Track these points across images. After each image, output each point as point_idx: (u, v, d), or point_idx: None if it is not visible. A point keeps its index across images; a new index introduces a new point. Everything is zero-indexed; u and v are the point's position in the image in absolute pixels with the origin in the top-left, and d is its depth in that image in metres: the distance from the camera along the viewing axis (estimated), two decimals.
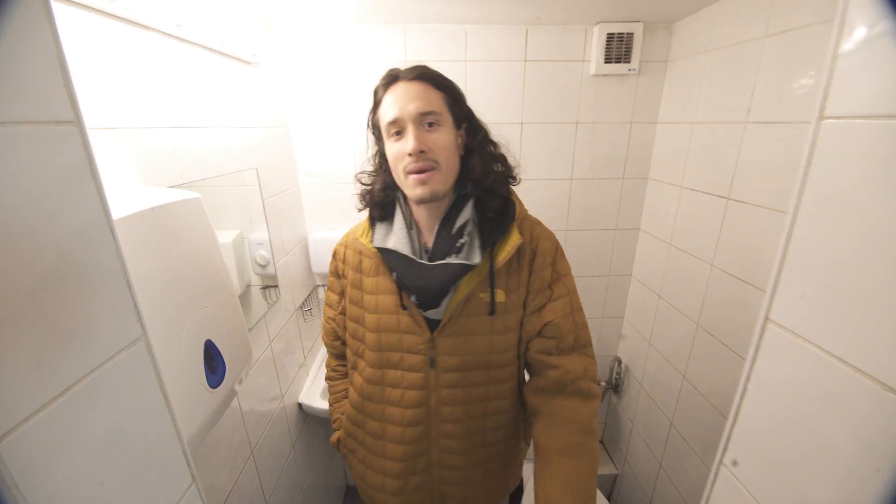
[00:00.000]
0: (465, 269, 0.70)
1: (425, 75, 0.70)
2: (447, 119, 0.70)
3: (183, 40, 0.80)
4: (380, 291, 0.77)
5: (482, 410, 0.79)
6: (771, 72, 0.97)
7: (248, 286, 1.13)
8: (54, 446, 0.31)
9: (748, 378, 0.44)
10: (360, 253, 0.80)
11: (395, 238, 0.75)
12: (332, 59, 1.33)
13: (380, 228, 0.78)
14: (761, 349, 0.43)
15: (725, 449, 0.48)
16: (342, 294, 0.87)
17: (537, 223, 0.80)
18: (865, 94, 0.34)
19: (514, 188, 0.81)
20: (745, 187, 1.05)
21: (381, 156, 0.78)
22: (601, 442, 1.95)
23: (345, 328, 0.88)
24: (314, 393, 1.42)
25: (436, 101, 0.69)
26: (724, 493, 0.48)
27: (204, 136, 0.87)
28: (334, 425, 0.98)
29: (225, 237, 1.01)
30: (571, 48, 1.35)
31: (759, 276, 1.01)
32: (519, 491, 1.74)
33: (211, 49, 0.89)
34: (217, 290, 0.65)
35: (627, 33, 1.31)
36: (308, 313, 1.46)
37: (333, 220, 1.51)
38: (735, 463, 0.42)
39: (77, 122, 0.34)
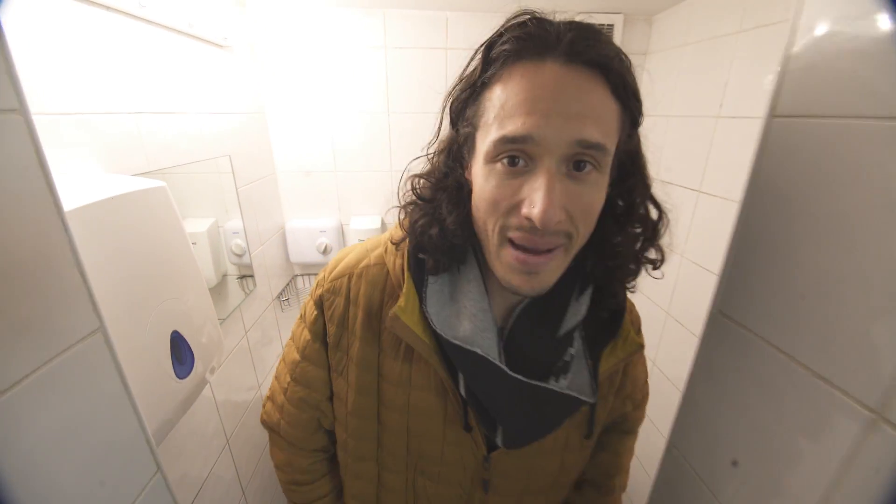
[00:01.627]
0: (578, 405, 0.47)
1: (603, 61, 0.37)
2: (609, 157, 0.39)
3: (147, 21, 0.77)
4: (415, 386, 0.50)
5: None
6: (742, 67, 0.99)
7: (225, 276, 1.12)
8: (11, 434, 0.31)
9: (695, 364, 0.47)
10: (399, 328, 0.46)
11: (471, 324, 0.45)
12: (310, 44, 1.30)
13: (435, 291, 0.47)
14: (708, 336, 0.45)
15: (673, 430, 0.50)
16: (334, 370, 0.55)
17: (633, 309, 0.57)
18: (814, 95, 0.35)
19: None
20: (714, 181, 1.08)
21: (456, 161, 0.46)
22: None
23: (333, 418, 0.59)
24: None
25: (610, 124, 0.39)
26: (672, 471, 0.51)
27: (173, 122, 0.85)
28: None
29: (199, 226, 0.99)
30: None
31: None
32: None
33: (178, 31, 0.87)
34: (184, 280, 0.64)
35: (608, 24, 1.32)
36: (286, 303, 1.45)
37: (312, 210, 1.49)
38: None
39: (21, 109, 0.33)
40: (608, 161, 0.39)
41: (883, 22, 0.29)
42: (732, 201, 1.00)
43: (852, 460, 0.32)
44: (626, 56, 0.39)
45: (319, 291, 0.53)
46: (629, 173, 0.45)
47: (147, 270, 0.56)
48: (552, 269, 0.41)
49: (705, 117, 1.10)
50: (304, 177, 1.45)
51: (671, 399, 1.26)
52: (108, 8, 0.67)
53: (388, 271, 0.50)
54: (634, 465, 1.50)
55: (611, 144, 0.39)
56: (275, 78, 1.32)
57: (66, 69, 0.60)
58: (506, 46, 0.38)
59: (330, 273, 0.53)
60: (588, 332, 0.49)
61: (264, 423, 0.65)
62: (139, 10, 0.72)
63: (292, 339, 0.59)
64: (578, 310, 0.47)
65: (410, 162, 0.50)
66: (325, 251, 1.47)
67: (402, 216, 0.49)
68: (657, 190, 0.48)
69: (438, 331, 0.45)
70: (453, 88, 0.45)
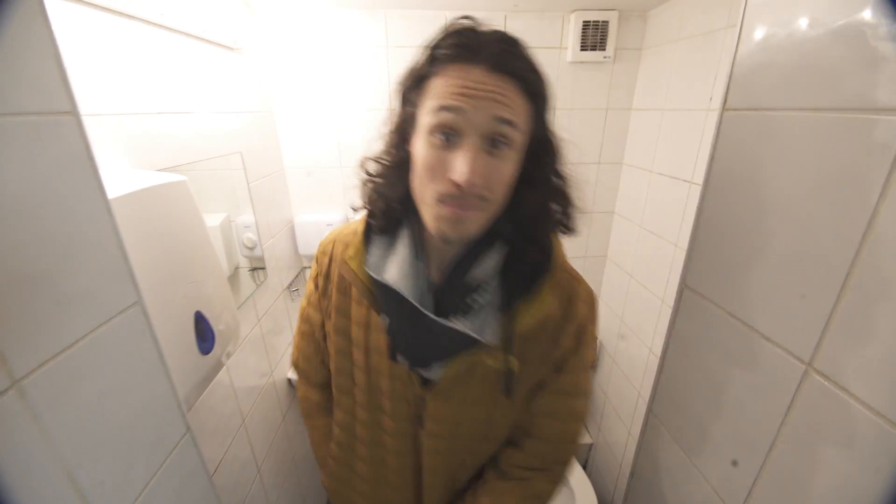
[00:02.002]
0: (471, 342, 0.54)
1: (519, 72, 0.48)
2: (519, 142, 0.50)
3: (167, 28, 0.83)
4: (372, 327, 0.61)
5: (460, 461, 0.68)
6: (729, 62, 1.02)
7: (237, 268, 1.18)
8: (68, 387, 0.37)
9: (669, 336, 0.51)
10: (347, 278, 0.61)
11: (397, 270, 0.55)
12: (314, 45, 1.36)
13: (377, 246, 0.59)
14: (679, 310, 0.50)
15: (653, 398, 0.55)
16: (324, 313, 0.68)
17: (576, 278, 0.62)
18: (757, 90, 0.40)
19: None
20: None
21: (400, 138, 0.56)
22: None
23: (326, 354, 0.72)
24: None
25: (520, 113, 0.48)
26: (652, 437, 0.56)
27: (189, 122, 0.91)
28: (325, 470, 0.82)
29: (212, 220, 1.06)
30: (549, 35, 1.39)
31: None
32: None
33: (194, 36, 0.92)
34: (204, 266, 0.70)
35: (603, 21, 1.35)
36: (295, 293, 1.52)
37: (319, 204, 1.55)
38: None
39: (74, 112, 0.38)
40: (518, 140, 0.49)
41: (812, 25, 0.34)
42: None
43: (792, 405, 0.37)
44: (537, 66, 0.51)
45: (317, 253, 0.69)
46: (542, 154, 0.55)
47: (172, 255, 0.62)
48: (473, 221, 0.50)
49: (696, 111, 1.14)
50: (306, 176, 1.51)
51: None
52: (132, 17, 0.73)
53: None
54: (611, 416, 1.53)
55: (521, 125, 0.49)
56: (282, 78, 1.38)
57: (98, 74, 0.66)
58: (446, 51, 0.48)
59: (324, 240, 0.70)
60: (507, 283, 0.56)
61: (293, 364, 0.81)
62: (160, 17, 0.77)
63: (306, 292, 0.74)
64: (488, 262, 0.55)
65: (364, 158, 0.61)
66: None
67: (362, 192, 0.62)
68: (572, 171, 0.59)
69: (369, 271, 0.56)
70: (403, 78, 0.54)
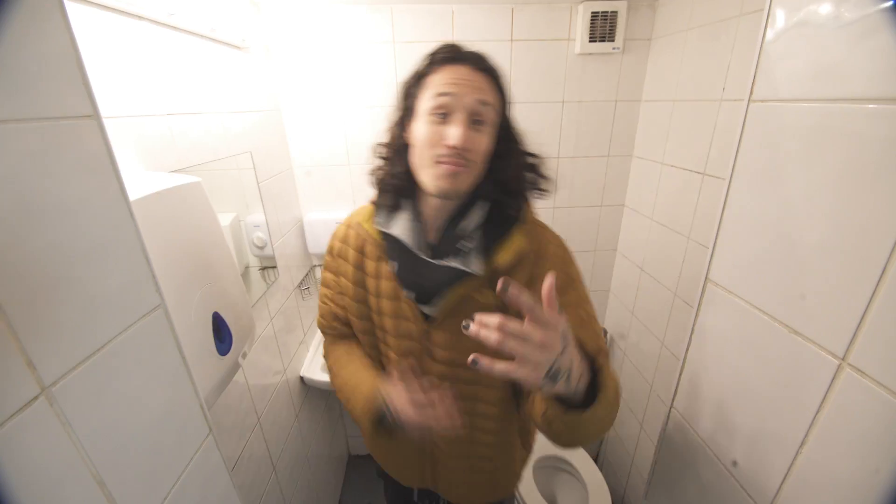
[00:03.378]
0: (462, 274, 0.68)
1: (493, 71, 0.67)
2: (494, 122, 0.67)
3: (175, 28, 0.82)
4: (381, 276, 0.76)
5: (471, 409, 0.78)
6: (744, 50, 1.01)
7: (247, 267, 1.19)
8: (96, 392, 0.37)
9: (693, 331, 0.51)
10: (361, 236, 0.78)
11: (400, 227, 0.72)
12: (320, 42, 1.35)
13: (384, 213, 0.75)
14: (703, 304, 0.49)
15: (675, 393, 0.55)
16: (338, 274, 0.83)
17: (545, 227, 0.76)
18: (785, 81, 0.39)
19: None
20: (718, 163, 1.10)
21: (401, 129, 0.72)
22: None
23: (343, 309, 0.84)
24: (315, 367, 1.50)
25: (493, 101, 0.66)
26: (674, 432, 0.56)
27: (199, 122, 0.91)
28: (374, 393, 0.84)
29: (223, 220, 1.05)
30: (557, 27, 1.37)
31: None
32: None
33: (202, 36, 0.92)
34: (221, 267, 0.70)
35: (612, 11, 1.33)
36: (306, 292, 1.52)
37: (328, 202, 1.55)
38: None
39: (95, 115, 0.38)
40: (493, 120, 0.67)
41: (845, 10, 0.33)
42: None
43: (825, 402, 0.37)
44: (500, 69, 0.69)
45: (336, 229, 0.85)
46: (509, 137, 0.72)
47: (189, 257, 0.62)
48: (464, 177, 0.65)
49: (709, 101, 1.12)
50: (314, 174, 1.51)
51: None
52: (141, 18, 0.73)
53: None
54: (623, 409, 1.52)
55: (496, 107, 0.67)
56: (289, 76, 1.38)
57: (109, 76, 0.66)
58: (441, 55, 0.67)
59: (344, 222, 0.85)
60: (489, 233, 0.70)
61: (319, 323, 0.91)
62: (168, 18, 0.77)
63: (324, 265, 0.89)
64: (474, 217, 0.70)
65: (375, 145, 0.78)
66: None
67: (372, 175, 0.78)
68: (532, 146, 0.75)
69: (377, 226, 0.74)
70: (407, 78, 0.71)
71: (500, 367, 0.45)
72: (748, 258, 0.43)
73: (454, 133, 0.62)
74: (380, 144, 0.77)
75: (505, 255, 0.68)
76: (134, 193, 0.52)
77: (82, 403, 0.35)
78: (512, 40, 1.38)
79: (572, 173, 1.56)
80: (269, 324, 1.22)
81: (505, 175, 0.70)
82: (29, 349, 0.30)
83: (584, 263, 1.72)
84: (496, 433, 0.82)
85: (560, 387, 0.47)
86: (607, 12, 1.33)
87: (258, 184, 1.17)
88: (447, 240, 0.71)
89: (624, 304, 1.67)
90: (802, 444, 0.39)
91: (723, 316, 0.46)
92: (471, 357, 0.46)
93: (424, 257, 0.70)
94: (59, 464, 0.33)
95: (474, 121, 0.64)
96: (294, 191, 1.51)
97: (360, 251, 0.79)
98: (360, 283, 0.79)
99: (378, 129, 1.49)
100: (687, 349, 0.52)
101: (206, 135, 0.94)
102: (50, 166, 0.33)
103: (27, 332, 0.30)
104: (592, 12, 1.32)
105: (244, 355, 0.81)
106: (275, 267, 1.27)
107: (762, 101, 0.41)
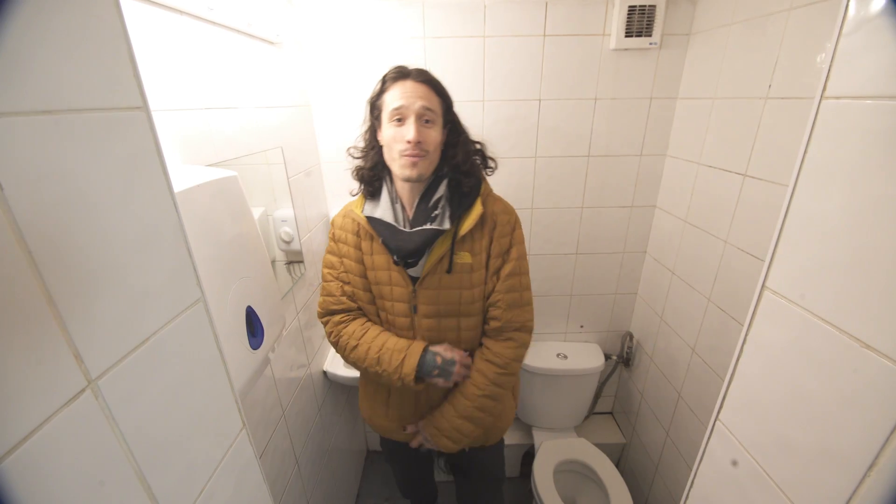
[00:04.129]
0: (437, 233, 0.89)
1: (431, 81, 0.88)
2: (439, 120, 0.88)
3: (213, 23, 0.83)
4: (374, 252, 0.96)
5: (455, 339, 1.01)
6: (793, 46, 0.96)
7: (273, 261, 1.20)
8: (139, 386, 0.37)
9: (745, 341, 0.48)
10: (356, 221, 0.98)
11: (382, 209, 0.93)
12: (352, 37, 1.35)
13: (370, 202, 0.96)
14: (758, 314, 0.46)
15: (721, 406, 0.52)
16: (341, 256, 1.02)
17: (499, 200, 0.98)
18: (865, 75, 0.36)
19: (491, 176, 1.02)
20: (761, 164, 1.05)
21: (372, 134, 0.95)
22: (611, 413, 2.01)
23: (349, 285, 1.02)
24: (338, 362, 1.51)
25: (435, 103, 0.87)
26: (718, 446, 0.53)
27: (234, 117, 0.92)
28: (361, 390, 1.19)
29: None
30: (591, 22, 1.34)
31: None
32: (530, 455, 1.83)
33: (239, 31, 0.93)
34: (255, 261, 0.71)
35: (650, 5, 1.29)
36: None
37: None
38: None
39: (145, 107, 0.38)
40: (438, 120, 0.88)
41: None
42: (781, 185, 0.98)
43: None
44: (437, 80, 0.90)
45: (335, 217, 1.06)
46: (456, 129, 0.94)
47: (226, 250, 0.62)
48: (422, 165, 0.87)
49: (753, 99, 1.07)
50: (305, 177, 1.51)
51: (710, 384, 1.26)
52: (181, 12, 0.74)
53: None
54: (647, 415, 1.49)
55: (437, 110, 0.88)
56: (320, 71, 1.38)
57: (152, 69, 0.67)
58: (391, 76, 0.88)
59: (339, 213, 1.06)
60: (453, 203, 0.92)
61: (327, 305, 1.05)
62: (208, 13, 0.78)
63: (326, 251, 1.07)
64: (439, 190, 0.91)
65: (348, 148, 1.02)
66: None
67: (352, 173, 1.00)
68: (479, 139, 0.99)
69: (366, 213, 0.94)
70: (370, 96, 0.93)
71: None
72: (814, 266, 0.40)
73: (409, 131, 0.83)
74: (354, 147, 1.00)
75: (469, 221, 0.90)
76: (176, 186, 0.52)
77: (126, 396, 0.35)
78: (545, 35, 1.35)
79: (603, 172, 1.52)
80: (294, 318, 1.23)
81: (457, 159, 0.91)
82: (77, 341, 0.30)
83: (611, 265, 1.68)
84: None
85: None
86: (645, 6, 1.28)
87: (288, 179, 1.18)
88: (420, 212, 0.91)
89: (652, 308, 1.63)
90: (871, 466, 0.36)
91: (781, 325, 0.43)
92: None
93: (402, 228, 0.91)
94: (102, 457, 0.33)
95: (425, 120, 0.85)
96: (322, 186, 1.52)
97: (356, 234, 0.99)
98: (359, 261, 0.99)
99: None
100: (737, 359, 0.49)
101: (240, 130, 0.95)
102: (100, 157, 0.33)
103: (75, 325, 0.30)
104: (630, 6, 1.28)
105: (274, 349, 0.82)
106: (301, 262, 1.28)
107: (836, 97, 0.37)
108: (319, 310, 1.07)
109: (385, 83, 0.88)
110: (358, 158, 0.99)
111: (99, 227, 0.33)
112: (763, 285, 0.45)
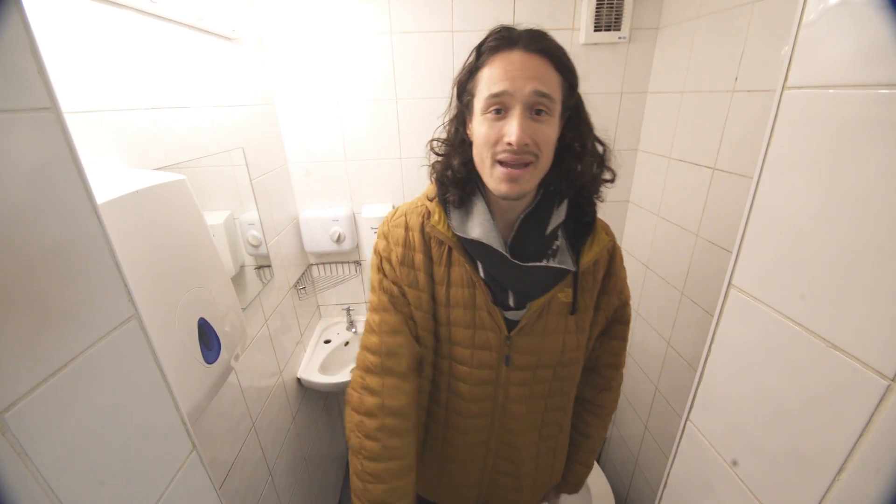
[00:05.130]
0: (564, 273, 0.67)
1: (549, 51, 0.58)
2: (557, 109, 0.59)
3: (158, 17, 0.78)
4: (453, 283, 0.69)
5: (543, 407, 0.79)
6: (758, 38, 0.96)
7: (242, 266, 1.15)
8: (57, 416, 0.33)
9: (712, 339, 0.47)
10: (432, 239, 0.69)
11: (481, 229, 0.65)
12: (316, 33, 1.30)
13: (455, 214, 0.68)
14: (724, 312, 0.45)
15: (692, 406, 0.51)
16: (407, 286, 0.70)
17: (605, 223, 0.75)
18: (827, 65, 0.35)
19: None
20: (729, 157, 1.06)
21: (460, 123, 0.68)
22: None
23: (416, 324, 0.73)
24: (312, 368, 1.47)
25: (554, 85, 0.58)
26: (689, 446, 0.52)
27: (187, 117, 0.86)
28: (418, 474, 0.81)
29: (216, 218, 1.02)
30: (560, 16, 1.32)
31: None
32: None
33: (188, 25, 0.87)
34: (207, 270, 0.67)
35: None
36: (302, 292, 1.48)
37: (324, 199, 1.51)
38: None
39: (54, 108, 0.34)
40: (556, 109, 0.59)
41: None
42: (748, 177, 0.98)
43: (869, 427, 0.33)
44: (561, 47, 0.60)
45: (384, 229, 0.72)
46: (578, 122, 0.65)
47: (173, 260, 0.58)
48: (527, 179, 0.60)
49: (720, 92, 1.08)
50: (305, 177, 1.47)
51: (685, 376, 1.27)
52: (119, 5, 0.68)
53: (427, 212, 0.70)
54: (626, 409, 1.51)
55: (556, 97, 0.58)
56: (283, 69, 1.33)
57: (83, 68, 0.62)
58: (490, 44, 0.60)
59: (391, 218, 0.73)
60: (569, 234, 0.69)
61: (365, 368, 0.73)
62: (150, 6, 0.73)
63: (373, 290, 0.74)
64: (559, 216, 0.67)
65: (430, 141, 0.72)
66: (339, 240, 1.49)
67: (430, 171, 0.72)
68: (601, 134, 0.69)
69: (457, 232, 0.66)
70: (459, 74, 0.65)
71: None
72: (779, 262, 0.39)
73: (511, 129, 0.56)
74: (436, 140, 0.72)
75: (591, 254, 0.69)
76: (108, 193, 0.48)
77: (41, 430, 0.32)
78: None
79: None
80: (263, 325, 1.18)
81: (581, 179, 0.66)
82: None
83: None
84: (562, 422, 0.85)
85: None
86: (613, 0, 1.28)
87: (251, 181, 1.13)
88: (533, 240, 0.66)
89: None
90: (841, 470, 0.36)
91: (748, 325, 0.42)
92: None
93: (515, 260, 0.64)
94: (14, 499, 0.29)
95: (535, 111, 0.57)
96: (290, 188, 1.47)
97: (429, 256, 0.70)
98: (431, 293, 0.70)
99: (376, 122, 1.45)
100: (706, 359, 0.48)
101: (194, 130, 0.89)
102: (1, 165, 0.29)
103: None
104: (598, 0, 1.27)
105: (237, 357, 0.77)
106: (269, 266, 1.24)
107: (798, 87, 0.36)
108: (373, 360, 0.72)
109: (481, 55, 0.61)
110: (440, 156, 0.71)
111: (2, 244, 0.29)
112: (729, 283, 0.44)
